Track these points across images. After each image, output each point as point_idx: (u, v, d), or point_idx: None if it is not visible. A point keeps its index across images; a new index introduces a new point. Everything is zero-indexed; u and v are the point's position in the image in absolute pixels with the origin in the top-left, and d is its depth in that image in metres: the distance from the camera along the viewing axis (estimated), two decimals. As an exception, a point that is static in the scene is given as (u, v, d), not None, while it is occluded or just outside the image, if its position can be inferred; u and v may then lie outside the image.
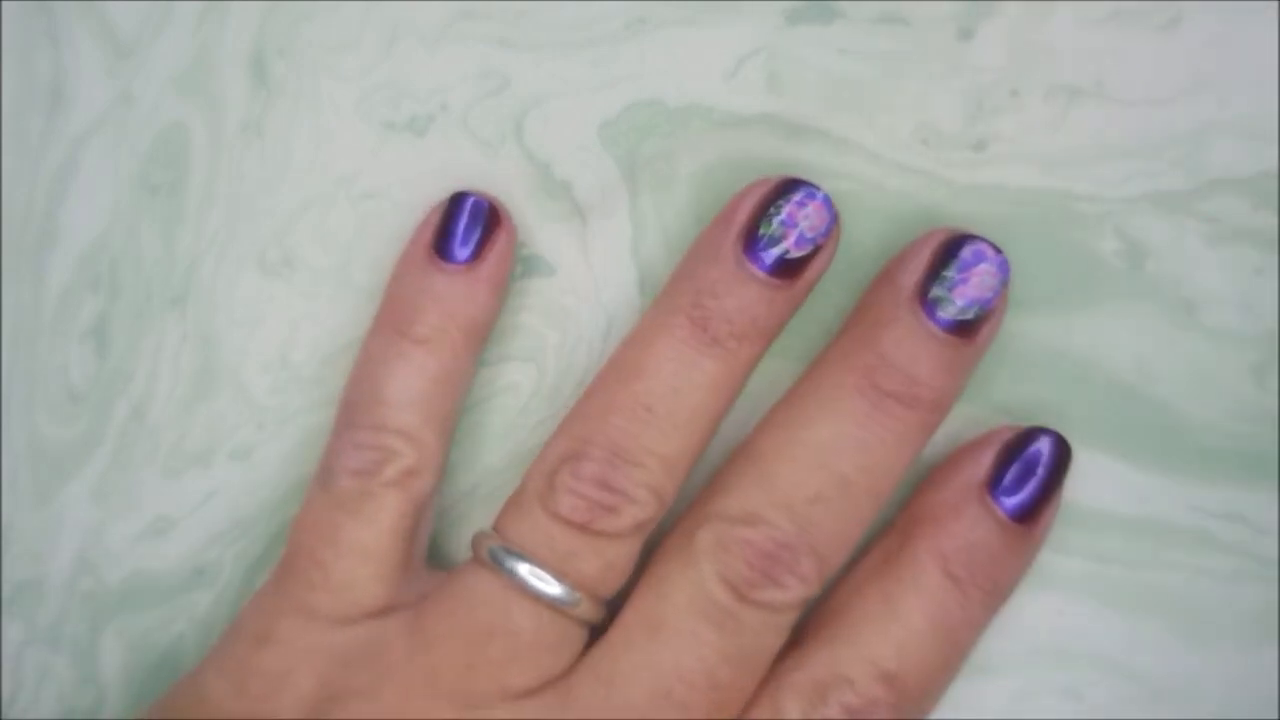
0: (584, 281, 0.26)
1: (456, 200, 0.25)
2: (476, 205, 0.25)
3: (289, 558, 0.24)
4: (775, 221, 0.23)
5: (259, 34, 0.27)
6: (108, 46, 0.28)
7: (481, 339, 0.25)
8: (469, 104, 0.26)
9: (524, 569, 0.22)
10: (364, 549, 0.23)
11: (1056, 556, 0.24)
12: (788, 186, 0.23)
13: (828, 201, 0.23)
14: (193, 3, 0.27)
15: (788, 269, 0.23)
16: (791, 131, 0.25)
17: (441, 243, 0.25)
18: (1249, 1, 0.23)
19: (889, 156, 0.25)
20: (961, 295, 0.22)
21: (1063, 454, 0.23)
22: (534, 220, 0.26)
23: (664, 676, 0.22)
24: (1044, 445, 0.23)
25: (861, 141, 0.25)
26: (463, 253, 0.25)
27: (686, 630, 0.22)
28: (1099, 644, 0.23)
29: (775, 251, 0.23)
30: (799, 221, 0.23)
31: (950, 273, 0.22)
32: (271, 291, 0.27)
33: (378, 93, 0.27)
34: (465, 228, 0.25)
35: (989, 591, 0.22)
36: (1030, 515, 0.22)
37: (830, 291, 0.24)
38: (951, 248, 0.23)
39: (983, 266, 0.22)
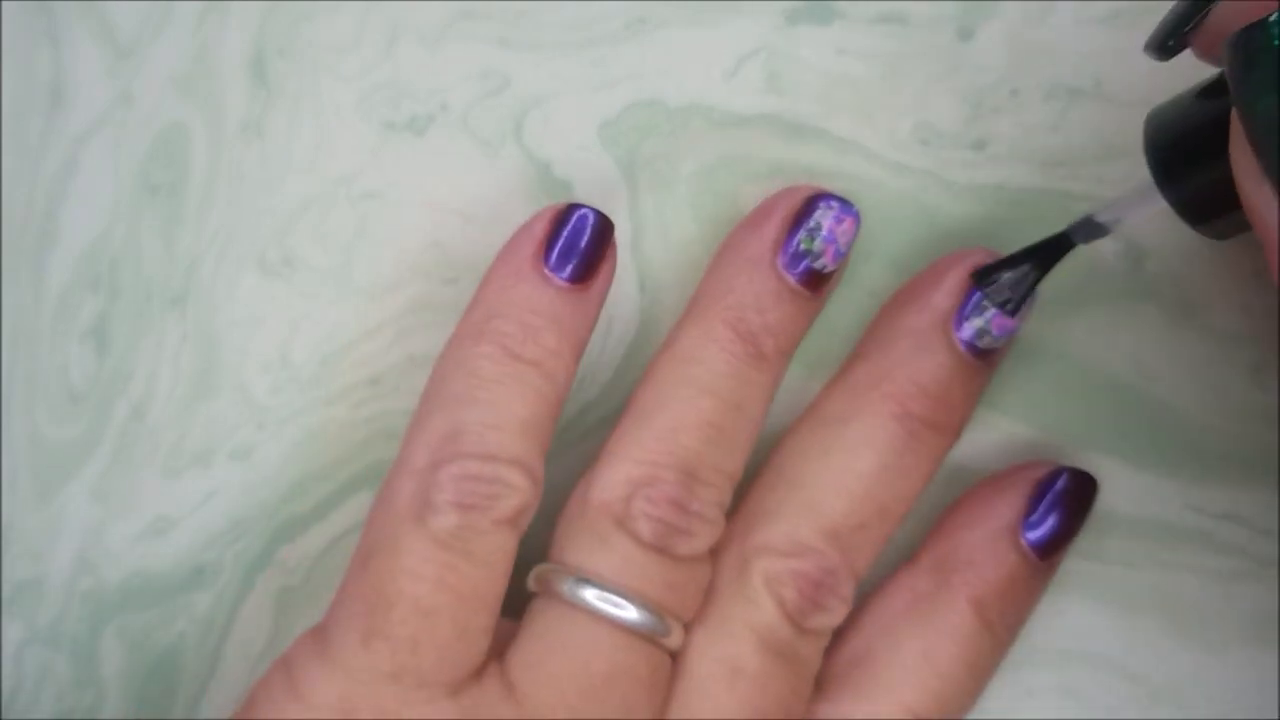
0: (584, 281, 0.26)
1: (571, 212, 0.23)
2: (596, 220, 0.23)
3: (375, 608, 0.21)
4: (816, 237, 0.23)
5: (259, 34, 0.27)
6: (108, 46, 0.28)
7: (583, 352, 0.23)
8: (469, 104, 0.26)
9: (630, 606, 0.21)
10: (482, 596, 0.21)
11: (1056, 556, 0.24)
12: (820, 199, 0.23)
13: (859, 217, 0.23)
14: (193, 3, 0.27)
15: (818, 281, 0.23)
16: (791, 131, 0.25)
17: (555, 257, 0.22)
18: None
19: (889, 156, 0.25)
20: (1001, 327, 0.22)
21: (1090, 492, 0.23)
22: (534, 220, 0.26)
23: None
24: (1073, 484, 0.23)
25: (861, 141, 0.25)
26: (579, 270, 0.22)
27: (764, 674, 0.22)
28: (1099, 644, 0.23)
29: (813, 265, 0.23)
30: (838, 237, 0.23)
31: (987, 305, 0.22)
32: (271, 291, 0.27)
33: (378, 93, 0.27)
34: (585, 243, 0.22)
35: (1014, 630, 0.23)
36: (1056, 552, 0.23)
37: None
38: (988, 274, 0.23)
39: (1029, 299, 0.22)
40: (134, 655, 0.27)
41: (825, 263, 0.23)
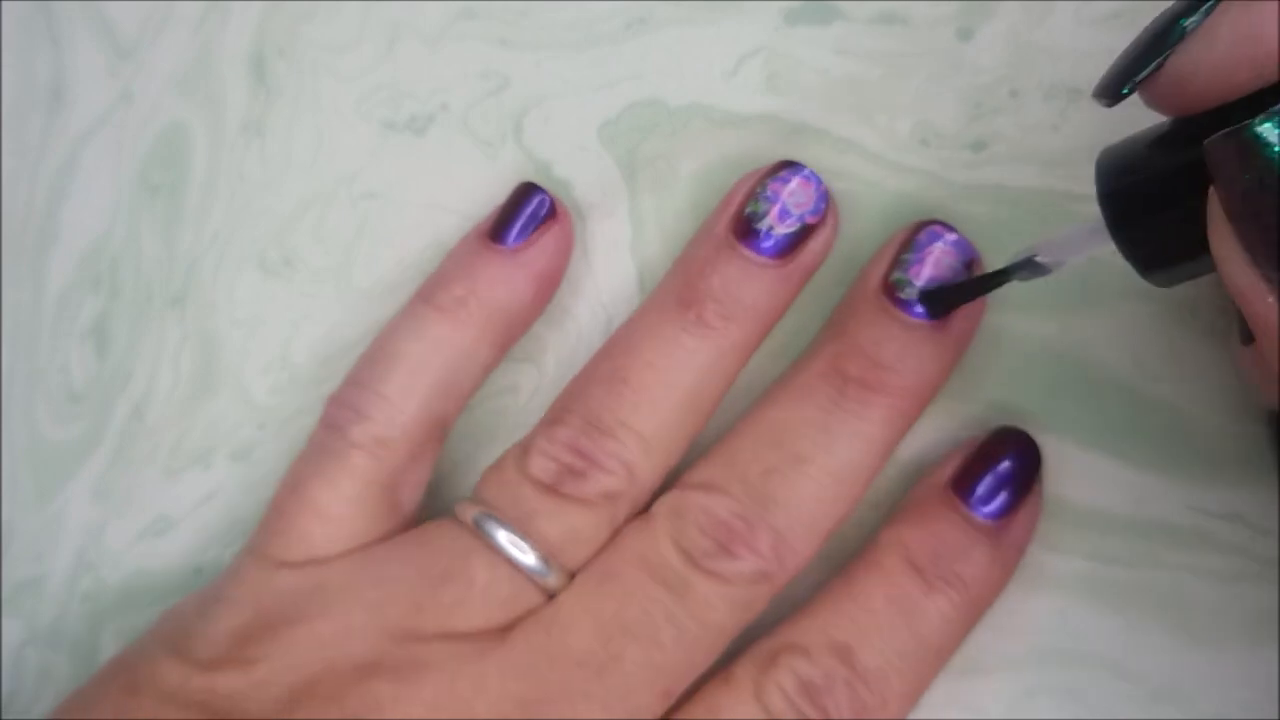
0: (584, 281, 0.26)
1: (520, 190, 0.25)
2: (538, 198, 0.25)
3: (269, 505, 0.24)
4: (760, 199, 0.23)
5: (259, 34, 0.27)
6: (108, 46, 0.28)
7: (509, 328, 0.25)
8: (469, 104, 0.26)
9: (496, 530, 0.22)
10: (320, 509, 0.23)
11: (1056, 556, 0.24)
12: (776, 167, 0.24)
13: (814, 178, 0.23)
14: (193, 3, 0.27)
15: (776, 248, 0.23)
16: (791, 131, 0.25)
17: (494, 226, 0.25)
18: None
19: (889, 156, 0.25)
20: (919, 276, 0.22)
21: (1030, 454, 0.23)
22: (534, 220, 0.26)
23: (605, 624, 0.22)
24: (1012, 446, 0.23)
25: (861, 141, 0.25)
26: (510, 236, 0.24)
27: (633, 583, 0.22)
28: (1099, 644, 0.23)
29: (761, 228, 0.23)
30: (783, 197, 0.23)
31: (907, 255, 0.23)
32: (271, 291, 0.27)
33: (378, 93, 0.27)
34: (520, 215, 0.25)
35: (954, 586, 0.22)
36: (999, 515, 0.22)
37: (831, 291, 0.24)
38: (912, 233, 0.23)
39: (937, 246, 0.23)
40: (134, 655, 0.27)
41: (771, 223, 0.23)
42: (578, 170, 0.26)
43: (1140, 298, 0.24)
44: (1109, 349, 0.24)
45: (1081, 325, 0.24)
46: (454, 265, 0.25)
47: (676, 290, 0.23)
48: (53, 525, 0.27)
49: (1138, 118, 0.23)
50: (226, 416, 0.27)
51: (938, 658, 0.22)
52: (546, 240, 0.25)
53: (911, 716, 0.23)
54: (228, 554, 0.27)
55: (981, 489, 0.22)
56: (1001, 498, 0.22)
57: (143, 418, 0.27)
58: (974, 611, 0.22)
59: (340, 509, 0.23)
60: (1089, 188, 0.24)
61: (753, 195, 0.23)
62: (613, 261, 0.26)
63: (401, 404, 0.23)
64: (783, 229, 0.23)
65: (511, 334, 0.25)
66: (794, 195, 0.23)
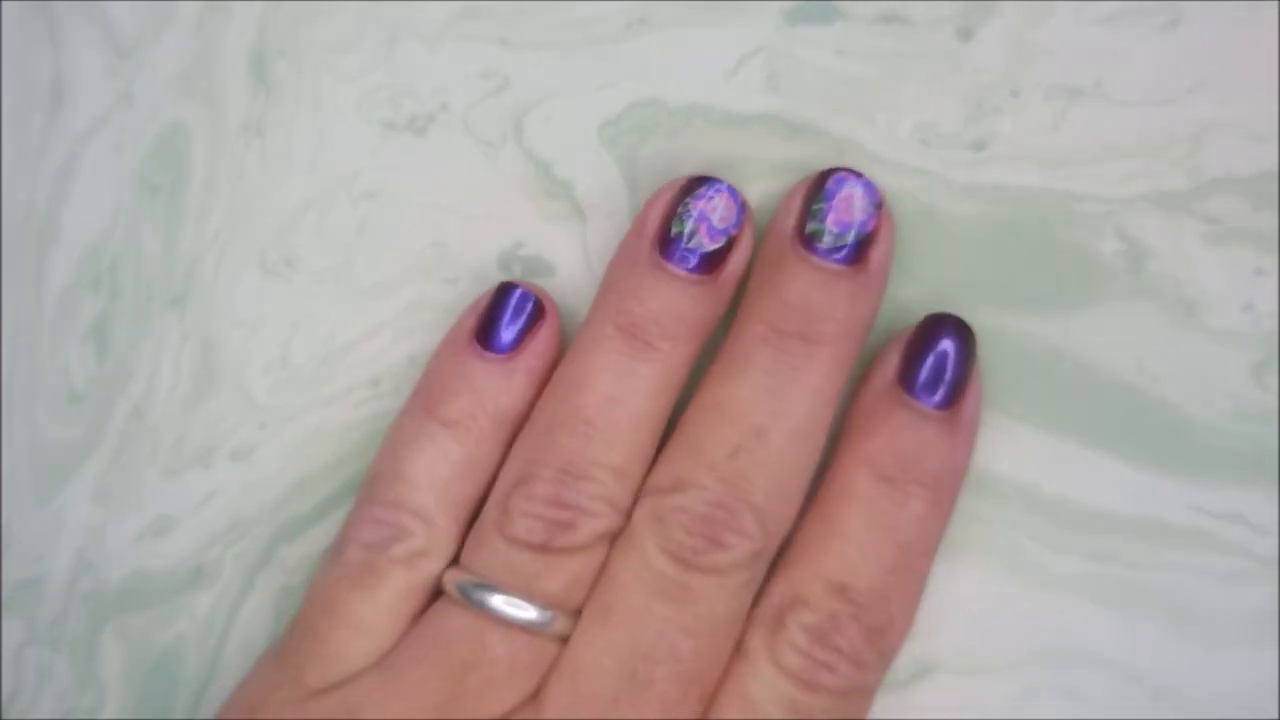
0: (584, 281, 0.26)
1: (502, 290, 0.25)
2: (522, 296, 0.24)
3: (293, 626, 0.24)
4: (685, 219, 0.23)
5: (259, 34, 0.27)
6: (108, 46, 0.28)
7: (513, 428, 0.24)
8: (469, 104, 0.26)
9: (493, 598, 0.22)
10: (359, 622, 0.23)
11: (1056, 556, 0.24)
12: (692, 184, 0.24)
13: (733, 191, 0.23)
14: (193, 2, 0.27)
15: (706, 263, 0.23)
16: (791, 131, 0.25)
17: (483, 331, 0.24)
18: (1249, 1, 0.23)
19: (889, 156, 0.25)
20: (834, 222, 0.23)
21: (966, 335, 0.23)
22: (534, 220, 0.26)
23: (625, 659, 0.22)
24: (946, 330, 0.23)
25: (861, 141, 0.25)
26: (503, 342, 0.24)
27: (638, 608, 0.22)
28: (1099, 644, 0.23)
29: (690, 247, 0.23)
30: (708, 214, 0.23)
31: (819, 204, 0.23)
32: (272, 291, 0.27)
33: (378, 93, 0.27)
34: (508, 318, 0.24)
35: (926, 484, 0.22)
36: (949, 400, 0.22)
37: (830, 291, 0.24)
38: (818, 183, 0.23)
39: (846, 189, 0.23)
40: (134, 655, 0.27)
41: (701, 240, 0.23)
42: (578, 170, 0.26)
43: (1140, 298, 0.24)
44: (1109, 349, 0.24)
45: (1081, 325, 0.24)
46: (453, 376, 0.24)
47: (613, 319, 0.23)
48: (53, 525, 0.27)
49: (1138, 120, 0.23)
50: (226, 416, 0.27)
51: (924, 556, 0.22)
52: (539, 342, 0.24)
53: (912, 717, 0.23)
54: (228, 554, 0.27)
55: (926, 378, 0.22)
56: (947, 381, 0.22)
57: (143, 418, 0.27)
58: (947, 501, 0.23)
59: (380, 619, 0.23)
60: (1089, 187, 0.24)
61: (674, 214, 0.23)
62: (613, 261, 0.26)
63: (435, 519, 0.24)
64: (711, 245, 0.23)
65: (516, 428, 0.25)
66: (717, 211, 0.23)
